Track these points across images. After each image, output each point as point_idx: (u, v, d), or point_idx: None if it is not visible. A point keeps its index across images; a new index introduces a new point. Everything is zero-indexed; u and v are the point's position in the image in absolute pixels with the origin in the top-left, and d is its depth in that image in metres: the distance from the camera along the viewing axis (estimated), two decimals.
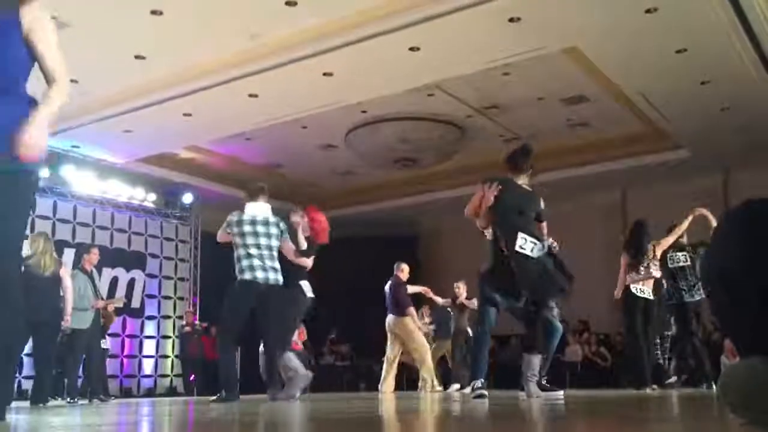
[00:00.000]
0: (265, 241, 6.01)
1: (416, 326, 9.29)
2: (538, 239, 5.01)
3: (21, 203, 2.87)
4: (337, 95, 9.97)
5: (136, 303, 12.97)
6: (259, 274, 5.91)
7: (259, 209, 6.10)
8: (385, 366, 9.59)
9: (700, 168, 12.67)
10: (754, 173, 11.98)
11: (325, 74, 9.21)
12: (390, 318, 9.31)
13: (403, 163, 13.13)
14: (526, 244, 4.92)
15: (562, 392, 5.16)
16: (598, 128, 12.13)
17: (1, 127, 2.75)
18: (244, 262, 5.91)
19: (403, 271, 9.49)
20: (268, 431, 2.55)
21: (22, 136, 2.71)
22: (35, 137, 2.73)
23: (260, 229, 6.03)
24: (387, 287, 9.40)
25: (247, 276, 5.88)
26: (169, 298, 13.83)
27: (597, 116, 11.65)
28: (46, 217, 11.92)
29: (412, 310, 9.30)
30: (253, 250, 5.93)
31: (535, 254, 4.93)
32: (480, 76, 9.80)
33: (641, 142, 12.28)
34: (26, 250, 7.40)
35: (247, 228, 5.98)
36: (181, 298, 13.95)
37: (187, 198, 13.91)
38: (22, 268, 6.99)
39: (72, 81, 7.93)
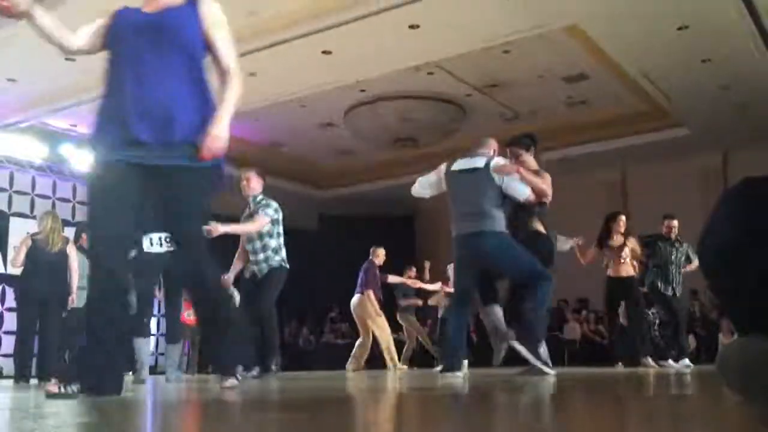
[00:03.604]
0: (281, 228, 6.08)
1: (374, 309, 9.28)
2: None
3: (206, 199, 2.94)
4: (337, 74, 9.91)
5: None
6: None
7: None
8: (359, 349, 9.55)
9: (700, 146, 12.65)
10: (754, 152, 11.95)
11: (324, 52, 9.17)
12: (354, 298, 9.39)
13: (402, 143, 13.08)
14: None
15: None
16: (598, 106, 12.09)
17: (189, 122, 2.83)
18: (284, 252, 6.00)
19: (378, 255, 9.65)
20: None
21: (207, 134, 2.77)
22: (219, 137, 2.79)
23: (280, 216, 6.07)
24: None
25: (286, 264, 6.02)
26: None
27: (597, 94, 11.61)
28: (46, 196, 11.90)
29: (371, 292, 9.31)
30: (282, 239, 6.00)
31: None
32: (480, 55, 9.75)
33: (641, 121, 12.24)
34: (34, 228, 7.41)
35: (278, 215, 6.03)
36: None
37: None
38: (30, 243, 7.06)
39: (69, 59, 7.94)
